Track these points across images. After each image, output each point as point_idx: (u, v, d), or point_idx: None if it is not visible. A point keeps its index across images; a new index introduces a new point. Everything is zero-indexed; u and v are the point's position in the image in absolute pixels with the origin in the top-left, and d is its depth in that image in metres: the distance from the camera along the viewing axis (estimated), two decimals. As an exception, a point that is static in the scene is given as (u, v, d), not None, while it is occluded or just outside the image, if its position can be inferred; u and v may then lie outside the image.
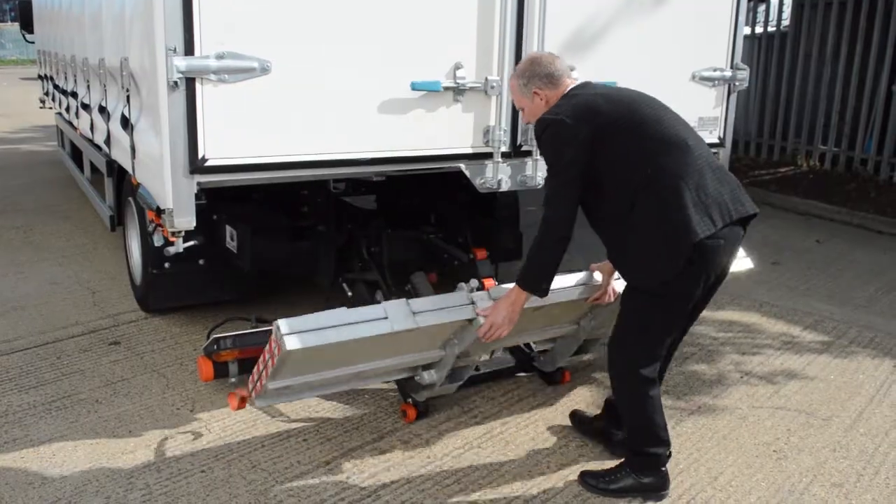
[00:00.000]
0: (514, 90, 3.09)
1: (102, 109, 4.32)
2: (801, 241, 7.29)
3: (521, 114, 3.14)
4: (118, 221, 5.44)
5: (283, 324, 2.82)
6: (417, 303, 3.08)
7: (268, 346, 2.93)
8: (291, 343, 2.77)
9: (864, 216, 8.07)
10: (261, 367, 3.02)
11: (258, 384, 3.07)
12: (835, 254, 6.90)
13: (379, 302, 4.19)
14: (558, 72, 2.99)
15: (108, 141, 4.29)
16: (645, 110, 2.89)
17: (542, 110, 2.97)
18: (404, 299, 3.08)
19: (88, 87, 4.96)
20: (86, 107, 5.00)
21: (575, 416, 3.67)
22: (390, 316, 2.97)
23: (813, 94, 9.77)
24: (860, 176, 9.19)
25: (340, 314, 2.92)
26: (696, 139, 2.96)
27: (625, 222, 2.85)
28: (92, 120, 4.89)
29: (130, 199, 4.91)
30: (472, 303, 3.14)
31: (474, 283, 3.22)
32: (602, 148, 2.81)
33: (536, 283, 2.95)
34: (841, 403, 3.99)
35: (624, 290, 3.06)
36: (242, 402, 3.28)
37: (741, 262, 3.67)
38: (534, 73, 2.98)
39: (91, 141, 5.58)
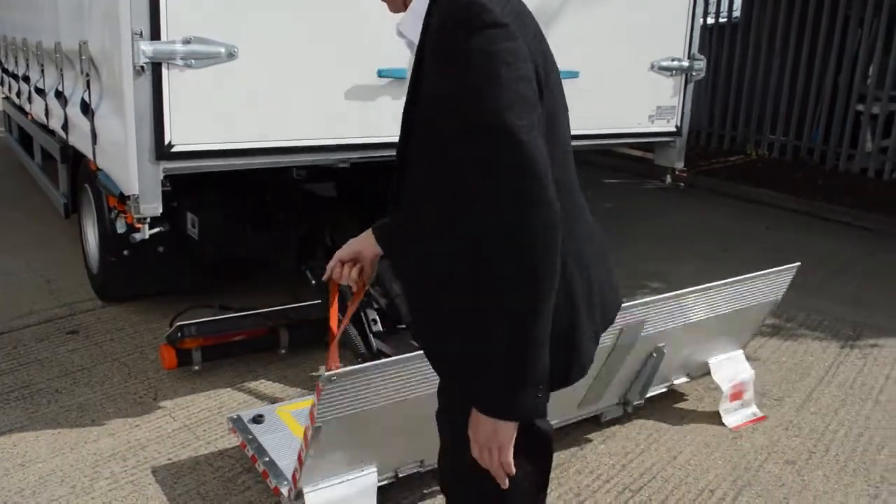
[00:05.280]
0: None
1: (59, 94, 4.24)
2: (751, 228, 7.48)
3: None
4: (72, 209, 5.35)
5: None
6: None
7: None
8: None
9: (812, 203, 8.31)
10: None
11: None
12: (784, 240, 7.10)
13: (342, 289, 4.22)
14: None
15: (65, 126, 4.21)
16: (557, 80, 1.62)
17: None
18: None
19: (42, 71, 4.85)
20: (40, 91, 4.89)
21: None
22: None
23: (762, 85, 9.99)
24: (808, 165, 9.45)
25: None
26: None
27: None
28: (47, 105, 4.79)
29: (87, 185, 4.82)
30: None
31: None
32: None
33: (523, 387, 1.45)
34: (792, 384, 4.14)
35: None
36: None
37: None
38: None
39: (44, 126, 5.47)
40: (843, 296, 5.64)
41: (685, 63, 4.62)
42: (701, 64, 4.67)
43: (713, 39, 10.55)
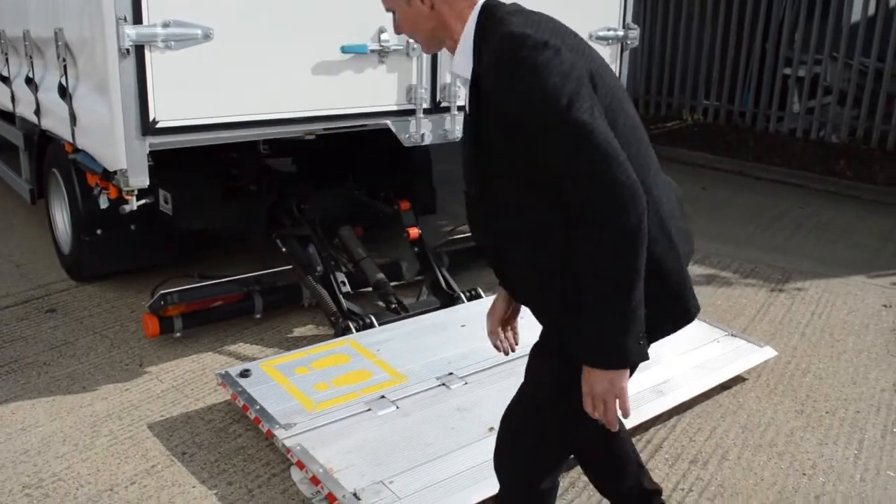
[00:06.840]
0: None
1: (29, 81, 4.38)
2: (689, 189, 7.90)
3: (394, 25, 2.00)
4: (38, 194, 5.46)
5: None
6: None
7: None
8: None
9: (744, 164, 8.79)
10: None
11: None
12: (719, 199, 7.54)
13: (312, 255, 4.49)
14: None
15: (37, 112, 4.36)
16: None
17: (424, 21, 1.87)
18: None
19: (6, 59, 4.97)
20: (4, 79, 5.01)
21: None
22: None
23: (696, 53, 10.43)
24: (740, 127, 9.94)
25: None
26: None
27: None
28: (13, 92, 4.92)
29: (55, 169, 4.97)
30: None
31: None
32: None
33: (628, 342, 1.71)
34: (728, 322, 4.54)
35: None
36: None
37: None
38: None
39: (2, 115, 5.59)
40: (774, 245, 6.10)
41: (620, 32, 4.96)
42: (635, 33, 5.01)
43: (647, 10, 10.93)
